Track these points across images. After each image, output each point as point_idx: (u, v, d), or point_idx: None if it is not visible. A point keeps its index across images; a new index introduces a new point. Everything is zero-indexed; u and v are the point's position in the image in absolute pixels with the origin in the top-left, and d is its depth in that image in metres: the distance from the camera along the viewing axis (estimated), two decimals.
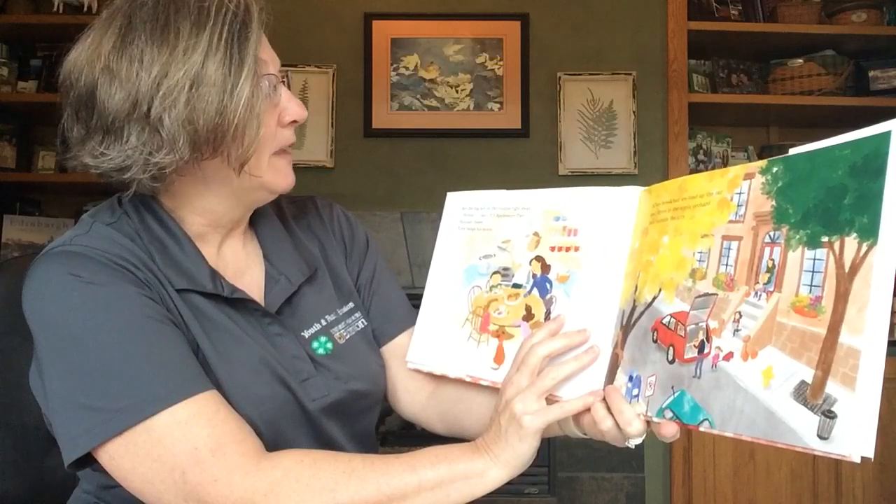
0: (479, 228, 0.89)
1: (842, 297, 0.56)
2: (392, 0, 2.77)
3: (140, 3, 0.77)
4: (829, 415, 0.55)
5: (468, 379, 0.86)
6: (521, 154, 2.74)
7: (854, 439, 0.54)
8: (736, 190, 0.68)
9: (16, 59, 2.76)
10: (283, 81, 0.82)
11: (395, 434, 2.55)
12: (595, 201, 0.80)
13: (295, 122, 0.83)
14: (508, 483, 0.77)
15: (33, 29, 2.70)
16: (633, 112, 2.74)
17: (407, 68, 2.75)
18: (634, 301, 0.74)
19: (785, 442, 0.58)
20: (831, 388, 0.56)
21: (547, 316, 0.80)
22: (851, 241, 0.56)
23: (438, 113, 2.74)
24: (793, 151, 0.64)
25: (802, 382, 0.58)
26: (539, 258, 0.82)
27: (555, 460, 2.53)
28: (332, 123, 2.73)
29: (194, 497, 0.70)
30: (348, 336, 0.91)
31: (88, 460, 0.73)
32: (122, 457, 0.71)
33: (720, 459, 2.50)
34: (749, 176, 0.67)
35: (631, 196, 0.78)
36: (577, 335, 0.76)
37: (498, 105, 2.75)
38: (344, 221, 1.01)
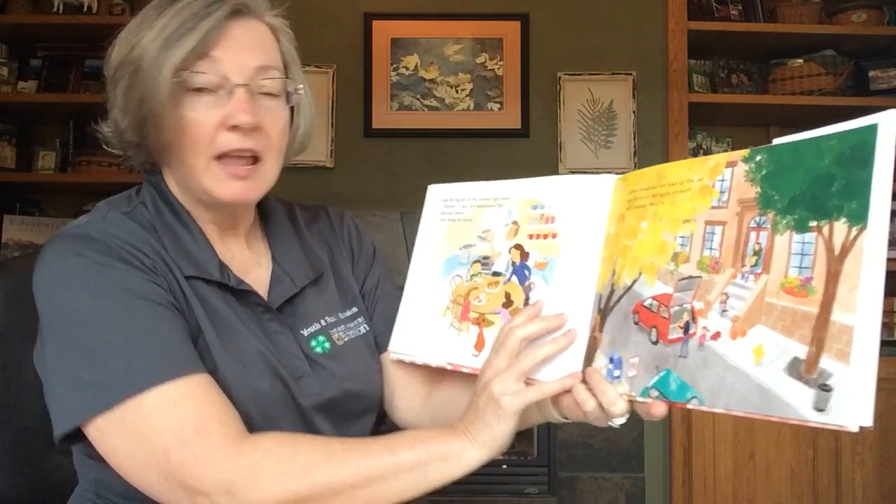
0: (459, 219, 0.91)
1: (833, 278, 0.58)
2: (392, 0, 2.77)
3: None
4: (825, 388, 0.57)
5: (449, 367, 0.87)
6: (521, 154, 2.74)
7: (852, 410, 0.55)
8: (718, 177, 0.70)
9: (16, 59, 2.76)
10: (246, 86, 0.80)
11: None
12: (571, 189, 0.82)
13: (236, 126, 0.80)
14: (508, 483, 0.77)
15: (33, 29, 2.70)
16: (633, 112, 2.74)
17: (407, 68, 2.75)
18: (612, 285, 0.76)
19: (780, 415, 0.60)
20: (826, 363, 0.57)
21: (526, 302, 0.81)
22: (841, 226, 0.59)
23: (438, 113, 2.74)
24: (777, 142, 0.66)
25: (795, 359, 0.60)
26: (518, 246, 0.84)
27: (555, 460, 2.53)
28: (332, 123, 2.72)
29: (175, 477, 0.71)
30: (347, 338, 0.92)
31: (79, 437, 0.75)
32: (111, 433, 0.72)
33: (720, 459, 2.50)
34: (731, 164, 0.69)
35: (605, 183, 0.80)
36: (554, 319, 0.77)
37: (498, 105, 2.75)
38: (353, 230, 1.03)
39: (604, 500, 2.56)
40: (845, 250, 0.58)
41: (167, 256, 0.81)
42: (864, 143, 0.59)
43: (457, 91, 2.75)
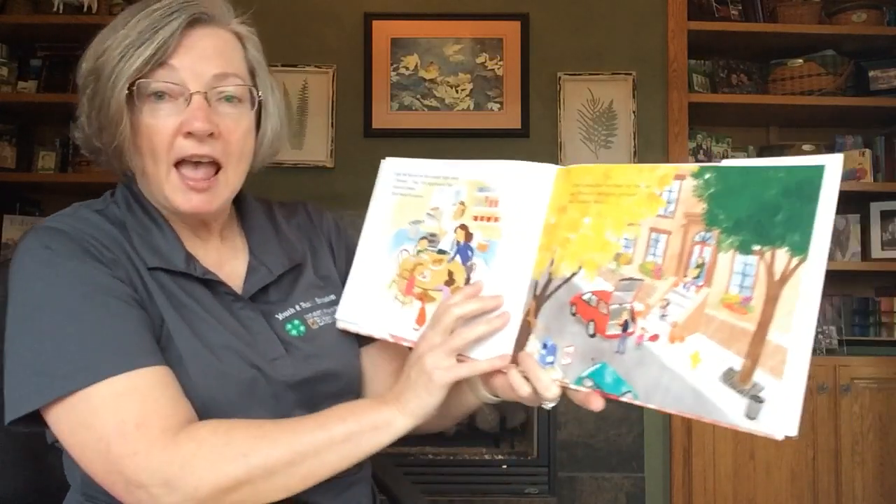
0: (410, 194, 0.93)
1: (771, 301, 0.63)
2: (392, 0, 2.77)
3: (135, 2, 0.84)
4: (758, 399, 0.62)
5: (391, 339, 0.89)
6: (521, 154, 2.72)
7: (780, 421, 0.62)
8: (666, 187, 0.73)
9: (16, 59, 2.77)
10: (204, 93, 0.82)
11: None
12: (514, 174, 0.85)
13: (190, 133, 0.82)
14: (508, 483, 0.78)
15: (33, 29, 2.70)
16: (633, 112, 2.74)
17: (407, 68, 2.75)
18: (550, 274, 0.79)
19: (711, 418, 0.65)
20: (759, 376, 0.63)
21: (467, 282, 0.84)
22: (783, 254, 0.64)
23: (438, 113, 2.74)
24: (725, 163, 0.70)
25: (731, 369, 0.65)
26: (463, 227, 0.87)
27: (555, 460, 2.53)
28: (332, 123, 2.73)
29: (116, 469, 0.73)
30: (323, 323, 0.94)
31: (32, 423, 0.76)
32: (64, 422, 0.75)
33: (720, 459, 2.50)
34: (680, 177, 0.72)
35: (547, 172, 0.83)
36: (490, 300, 0.80)
37: (498, 105, 2.75)
38: (333, 226, 1.05)
39: (604, 500, 2.55)
40: (785, 277, 0.63)
41: (130, 250, 0.83)
42: (809, 181, 0.64)
43: (457, 91, 2.75)
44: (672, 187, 0.73)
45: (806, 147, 2.85)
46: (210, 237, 0.92)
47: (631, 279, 0.73)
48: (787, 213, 0.64)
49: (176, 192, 0.84)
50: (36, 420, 0.76)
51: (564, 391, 0.76)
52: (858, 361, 2.56)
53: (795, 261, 0.63)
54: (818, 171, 0.63)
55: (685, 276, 0.70)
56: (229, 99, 0.85)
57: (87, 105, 0.84)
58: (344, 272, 1.01)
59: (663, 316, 0.70)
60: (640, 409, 2.57)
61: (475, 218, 0.86)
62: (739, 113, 2.83)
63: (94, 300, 0.77)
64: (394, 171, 0.96)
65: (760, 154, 2.92)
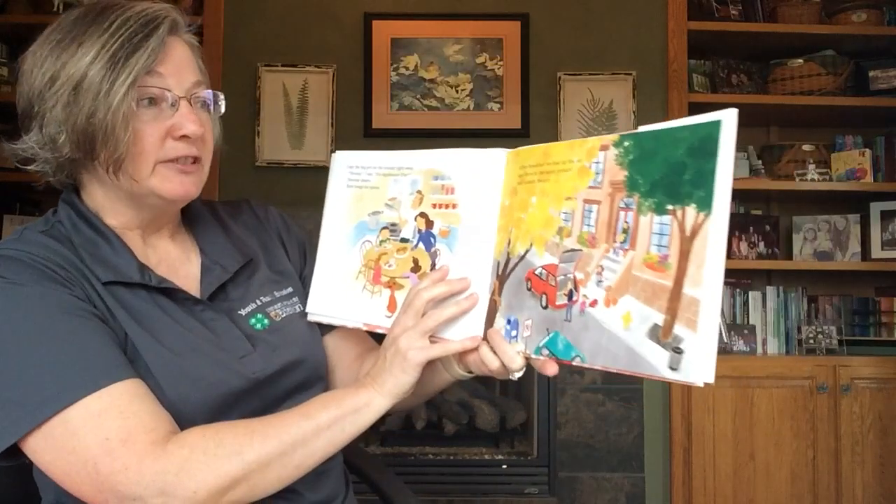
0: (366, 186, 0.95)
1: (684, 256, 0.67)
2: (392, 0, 2.77)
3: (71, 14, 0.86)
4: (678, 351, 0.67)
5: (365, 328, 0.93)
6: None
7: (698, 369, 0.65)
8: (594, 159, 0.77)
9: (16, 59, 2.76)
10: (187, 98, 0.85)
11: (395, 434, 2.54)
12: (467, 161, 0.88)
13: (186, 136, 0.85)
14: (508, 483, 0.79)
15: (33, 29, 2.67)
16: (633, 112, 2.74)
17: (407, 68, 2.75)
18: (508, 254, 0.84)
19: (644, 372, 0.70)
20: (678, 329, 0.67)
21: (433, 267, 0.88)
22: (691, 211, 0.67)
23: (438, 113, 2.74)
24: (641, 129, 0.73)
25: (655, 325, 0.69)
26: (423, 215, 0.90)
27: (555, 460, 2.53)
28: (332, 123, 2.73)
29: (108, 487, 0.73)
30: (284, 314, 0.95)
31: (14, 454, 0.75)
32: (43, 450, 0.74)
33: (720, 459, 2.50)
34: (604, 148, 0.76)
35: (498, 157, 0.87)
36: (457, 283, 0.85)
37: (498, 105, 2.75)
38: (279, 220, 1.07)
39: (604, 500, 2.56)
40: (694, 232, 0.67)
41: (83, 266, 0.83)
42: (709, 137, 0.67)
43: (457, 91, 2.75)
44: (598, 158, 0.77)
45: (806, 147, 2.85)
46: (160, 241, 0.93)
47: (572, 250, 0.78)
48: (692, 171, 0.68)
49: (165, 181, 0.85)
50: (15, 452, 0.75)
51: (528, 362, 0.81)
52: (858, 361, 2.56)
53: (702, 216, 0.66)
54: (716, 126, 0.67)
55: (614, 241, 0.74)
56: (203, 104, 0.89)
57: (61, 113, 0.81)
58: (299, 265, 1.03)
59: (599, 282, 0.75)
60: (640, 408, 2.58)
61: (434, 206, 0.89)
62: (739, 113, 2.80)
63: (57, 321, 0.77)
64: (346, 165, 0.98)
65: (761, 154, 2.92)
